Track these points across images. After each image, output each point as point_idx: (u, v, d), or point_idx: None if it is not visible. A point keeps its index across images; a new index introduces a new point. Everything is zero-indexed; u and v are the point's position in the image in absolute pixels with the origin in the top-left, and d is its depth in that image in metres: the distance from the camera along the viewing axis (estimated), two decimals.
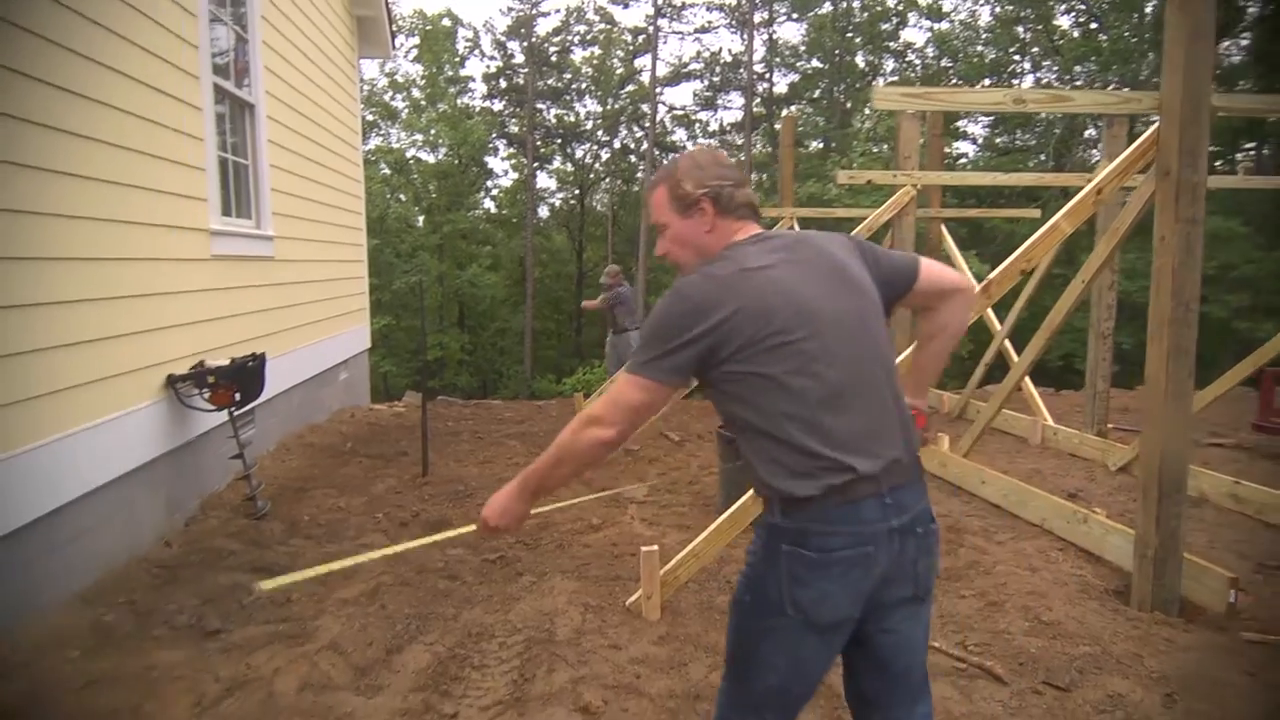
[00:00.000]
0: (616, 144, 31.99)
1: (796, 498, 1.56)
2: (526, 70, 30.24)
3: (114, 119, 3.78)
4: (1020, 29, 24.65)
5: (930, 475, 5.61)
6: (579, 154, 32.72)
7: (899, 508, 1.59)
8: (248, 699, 2.72)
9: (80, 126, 3.52)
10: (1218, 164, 17.48)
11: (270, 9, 5.88)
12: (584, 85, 31.34)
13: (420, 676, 2.87)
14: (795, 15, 29.33)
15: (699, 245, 1.74)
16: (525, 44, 30.32)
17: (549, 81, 30.94)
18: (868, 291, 1.71)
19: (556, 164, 32.99)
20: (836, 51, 28.58)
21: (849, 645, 1.69)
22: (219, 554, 4.01)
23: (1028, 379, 6.98)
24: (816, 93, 30.07)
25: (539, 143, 30.82)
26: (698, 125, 32.32)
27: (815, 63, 29.81)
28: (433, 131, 27.13)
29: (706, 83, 31.25)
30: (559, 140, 32.05)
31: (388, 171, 26.70)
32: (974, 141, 26.11)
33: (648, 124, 30.04)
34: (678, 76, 31.02)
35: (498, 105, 31.74)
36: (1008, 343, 7.24)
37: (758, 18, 29.66)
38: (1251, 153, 19.50)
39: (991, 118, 23.55)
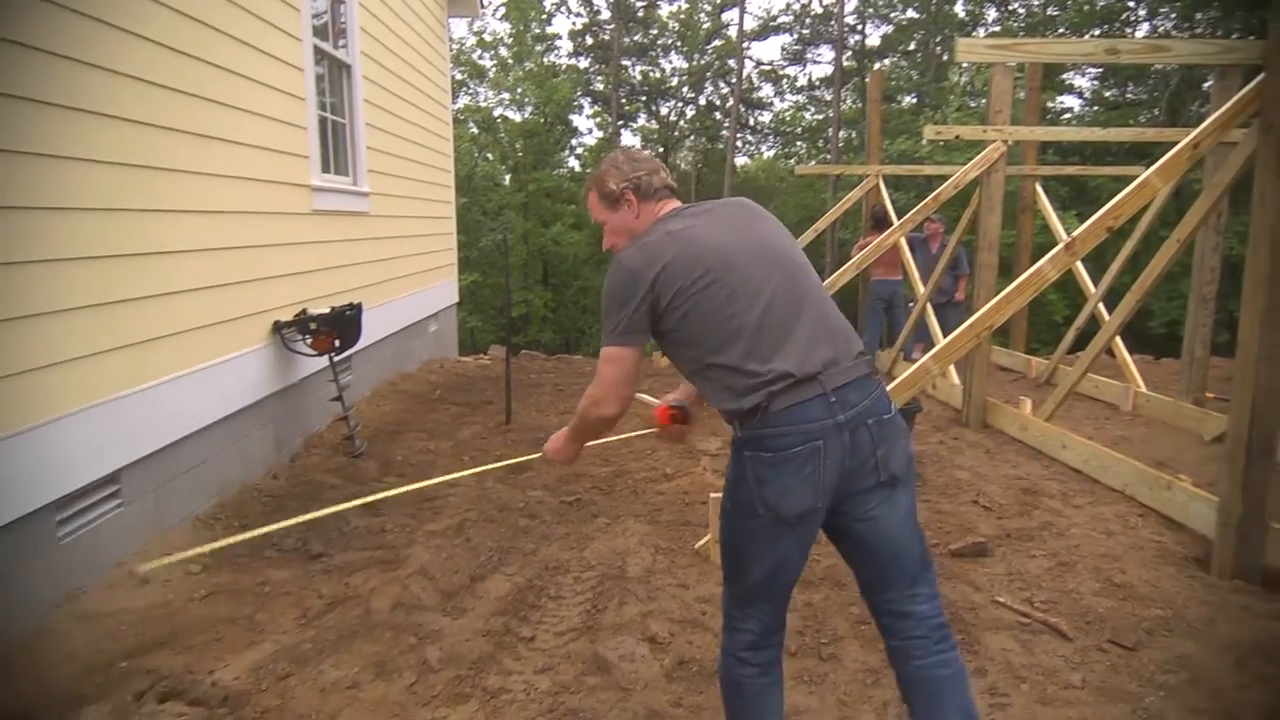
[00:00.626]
0: (702, 101, 31.53)
1: (745, 410, 1.80)
2: (612, 26, 30.02)
3: (227, 80, 4.05)
4: None
5: (1009, 439, 5.54)
6: (664, 111, 32.44)
7: (843, 404, 1.79)
8: (347, 614, 3.00)
9: (203, 89, 3.81)
10: None
11: None
12: (670, 41, 30.92)
13: (501, 603, 3.10)
14: None
15: (630, 229, 2.02)
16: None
17: (635, 38, 30.64)
18: (779, 226, 2.02)
19: (641, 122, 32.80)
20: (934, 0, 27.27)
21: (840, 542, 1.95)
22: (321, 487, 4.34)
23: (1120, 343, 6.74)
24: (911, 45, 28.83)
25: (624, 100, 30.68)
26: (785, 81, 31.53)
27: (911, 13, 28.52)
28: (519, 90, 27.33)
29: (795, 36, 30.35)
30: (644, 98, 31.82)
31: (475, 130, 27.09)
32: (1080, 95, 24.68)
33: (734, 80, 29.50)
34: (765, 30, 30.21)
35: (583, 63, 31.64)
36: (1101, 306, 6.98)
37: None
38: None
39: (1099, 69, 22.16)
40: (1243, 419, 3.28)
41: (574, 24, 31.51)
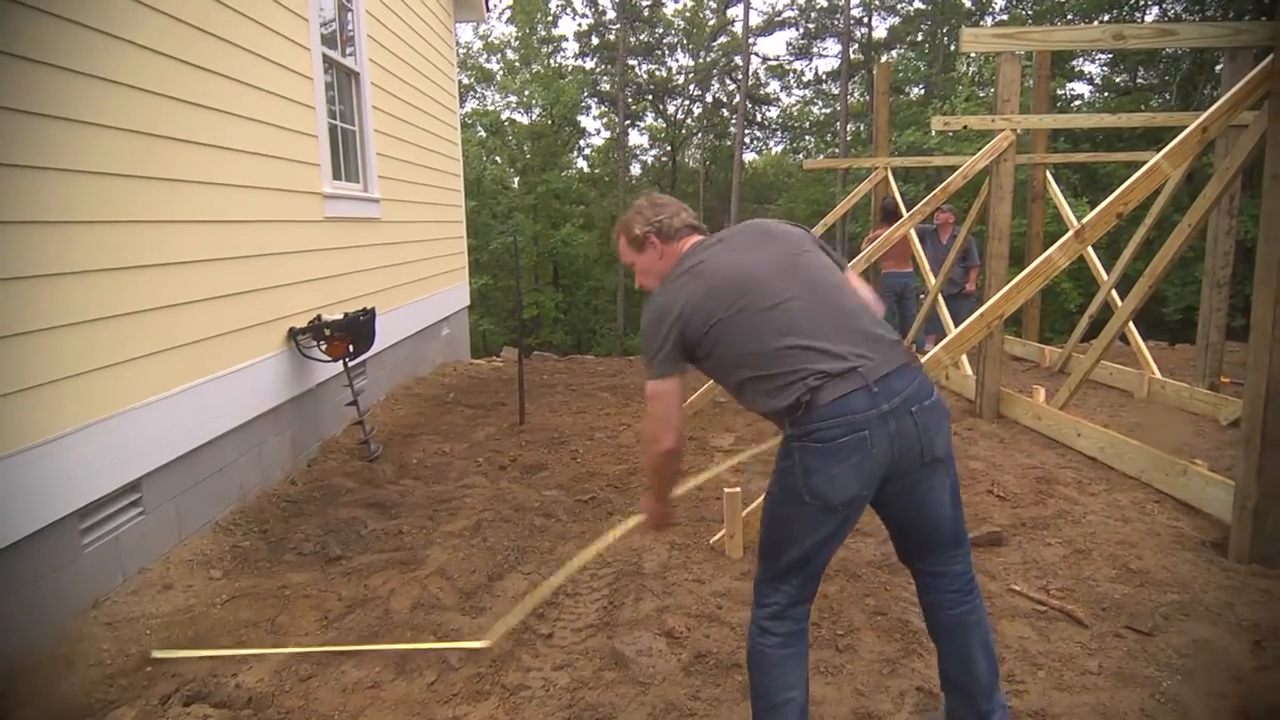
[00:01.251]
0: (708, 98, 31.54)
1: (786, 408, 1.91)
2: (618, 26, 30.05)
3: (238, 90, 4.10)
4: None
5: (1023, 428, 5.52)
6: (671, 110, 32.45)
7: (887, 394, 1.88)
8: (367, 615, 3.04)
9: (215, 100, 3.85)
10: None
11: None
12: (675, 39, 30.92)
13: (519, 601, 3.12)
14: None
15: (657, 271, 2.21)
16: None
17: (640, 37, 30.67)
18: (792, 233, 2.14)
19: (648, 121, 32.83)
20: None
21: (884, 513, 2.08)
22: (338, 491, 4.39)
23: (1134, 329, 6.69)
24: (919, 36, 28.70)
25: (630, 100, 30.71)
26: (791, 75, 31.47)
27: (918, 3, 28.39)
28: (526, 92, 27.43)
29: (801, 30, 30.29)
30: (650, 96, 31.84)
31: (484, 134, 27.21)
32: (1090, 82, 24.47)
33: (740, 76, 29.46)
34: (771, 25, 30.17)
35: (589, 63, 31.70)
36: (1115, 293, 6.94)
37: None
38: None
39: (1109, 55, 21.97)
40: (1257, 403, 3.26)
41: (579, 25, 31.62)
